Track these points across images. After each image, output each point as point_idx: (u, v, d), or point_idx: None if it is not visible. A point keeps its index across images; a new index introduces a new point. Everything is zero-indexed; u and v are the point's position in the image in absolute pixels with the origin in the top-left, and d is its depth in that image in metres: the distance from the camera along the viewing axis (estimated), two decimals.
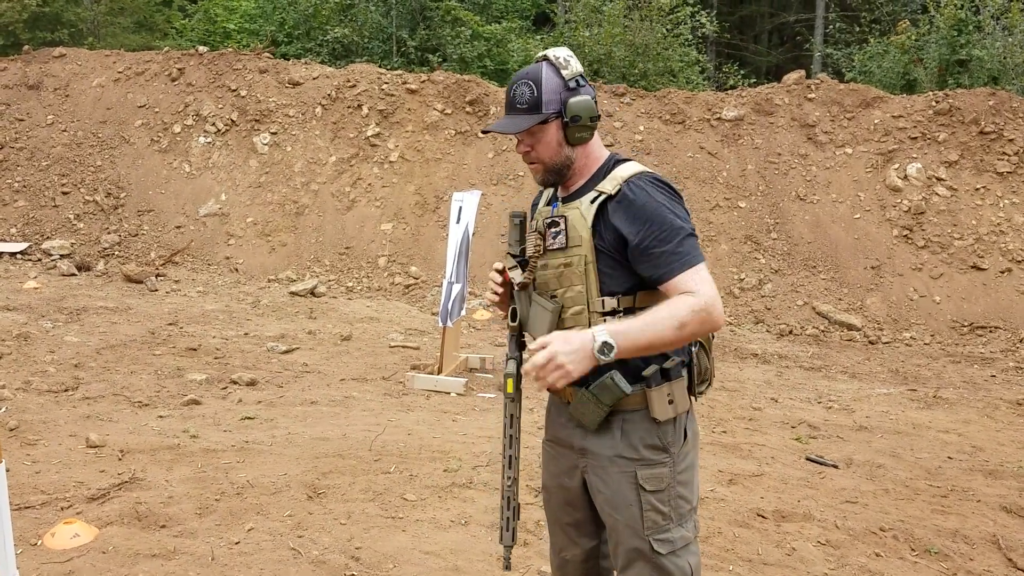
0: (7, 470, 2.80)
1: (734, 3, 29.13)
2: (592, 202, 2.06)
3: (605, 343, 1.88)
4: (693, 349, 2.14)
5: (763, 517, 4.03)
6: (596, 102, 2.12)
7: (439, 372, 6.17)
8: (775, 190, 10.91)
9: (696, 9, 17.29)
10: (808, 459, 5.12)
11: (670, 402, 2.07)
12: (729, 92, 12.39)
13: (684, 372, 2.10)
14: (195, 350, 6.73)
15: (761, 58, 27.55)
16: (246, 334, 7.66)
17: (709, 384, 2.24)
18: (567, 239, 2.10)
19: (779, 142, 11.39)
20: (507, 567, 2.31)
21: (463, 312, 6.55)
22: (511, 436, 2.25)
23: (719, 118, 11.75)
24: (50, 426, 4.76)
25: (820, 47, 22.36)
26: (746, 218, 10.67)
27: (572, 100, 2.08)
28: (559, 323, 2.11)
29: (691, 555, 2.14)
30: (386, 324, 8.72)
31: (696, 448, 2.20)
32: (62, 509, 3.62)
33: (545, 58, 2.12)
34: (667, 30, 16.37)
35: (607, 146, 11.85)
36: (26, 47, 13.43)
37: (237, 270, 10.83)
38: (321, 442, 4.69)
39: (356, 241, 11.21)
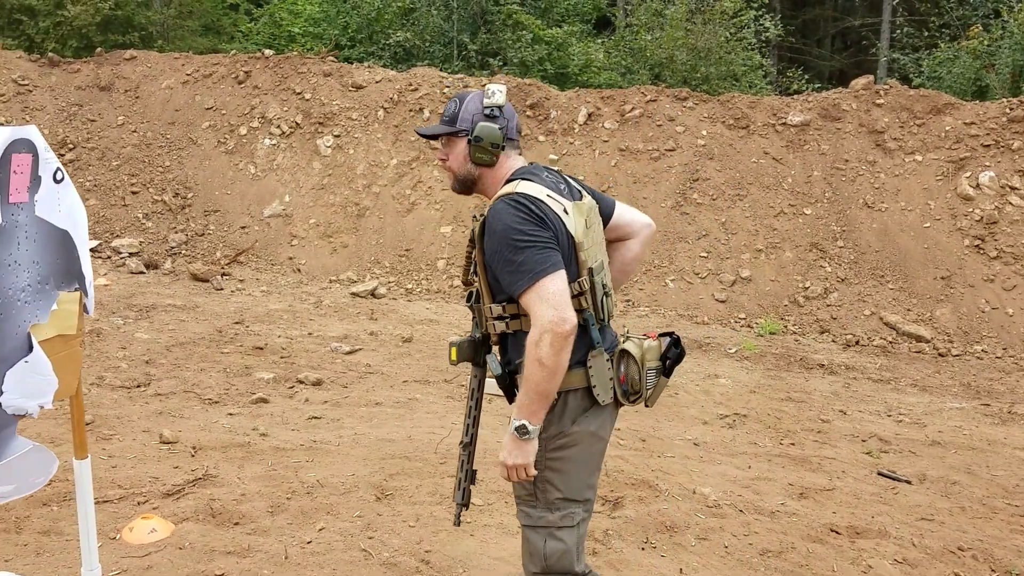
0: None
1: (797, 6, 28.72)
2: (475, 221, 2.36)
3: (516, 428, 2.25)
4: (596, 353, 2.33)
5: (837, 533, 3.94)
6: (506, 133, 2.42)
7: None
8: (842, 197, 10.71)
9: (760, 13, 17.08)
10: (880, 474, 4.99)
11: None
12: (795, 97, 12.19)
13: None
14: (262, 349, 6.82)
15: (824, 63, 27.10)
16: (310, 334, 7.75)
17: (639, 396, 2.43)
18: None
19: (846, 148, 11.17)
20: (457, 523, 2.63)
21: None
22: (476, 401, 2.62)
23: (784, 123, 11.57)
24: (124, 421, 4.86)
25: (886, 52, 21.91)
26: (812, 225, 10.49)
27: (480, 124, 2.40)
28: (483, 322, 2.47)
29: (552, 540, 2.37)
30: (446, 327, 8.74)
31: (586, 447, 2.36)
32: (138, 504, 3.69)
33: (483, 87, 2.47)
34: (730, 34, 16.19)
35: (667, 151, 11.79)
36: (98, 49, 13.78)
37: (299, 270, 10.97)
38: (387, 443, 4.71)
39: (416, 243, 11.27)
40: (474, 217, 2.39)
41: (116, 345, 6.70)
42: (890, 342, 8.92)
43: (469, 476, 2.55)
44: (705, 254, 10.40)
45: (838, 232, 10.39)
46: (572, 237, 2.32)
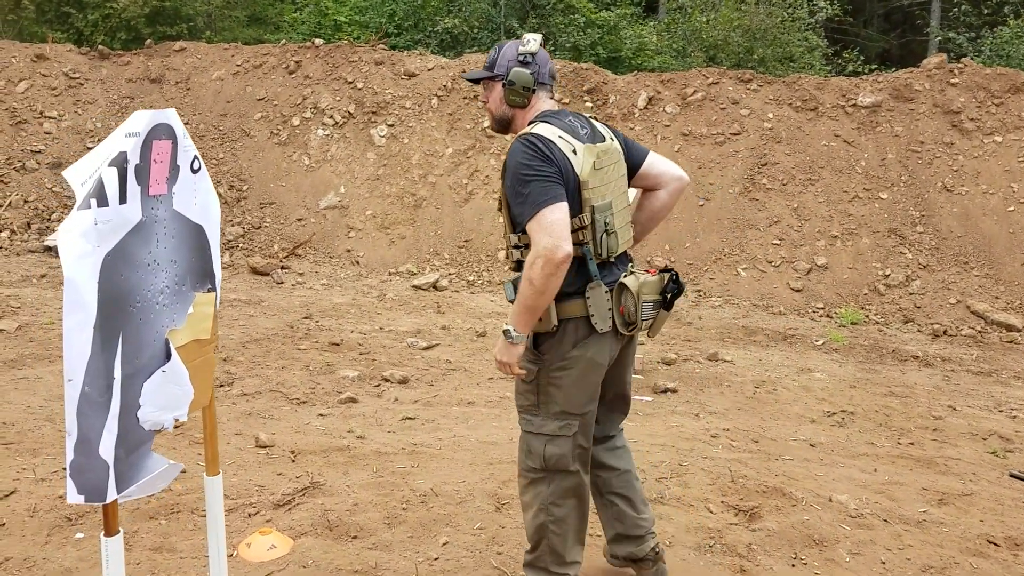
0: (183, 471, 2.63)
1: None
2: (502, 157, 2.67)
3: (505, 330, 2.54)
4: (593, 285, 2.55)
5: (995, 544, 3.63)
6: (537, 77, 2.68)
7: None
8: (919, 181, 10.29)
9: None
10: (1012, 475, 4.66)
11: (539, 319, 2.54)
12: (863, 77, 11.76)
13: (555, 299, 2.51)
14: (338, 345, 6.60)
15: (873, 43, 26.46)
16: (381, 328, 7.53)
17: (636, 326, 2.64)
18: None
19: (921, 130, 10.74)
20: None
21: None
22: None
23: (854, 104, 11.15)
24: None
25: (938, 31, 21.28)
26: (888, 210, 10.09)
27: (515, 69, 2.66)
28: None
29: (551, 445, 2.65)
30: None
31: (584, 369, 2.60)
32: (249, 516, 3.47)
33: (519, 36, 2.68)
34: (787, 14, 15.73)
35: (732, 135, 11.42)
36: (148, 41, 13.65)
37: (358, 263, 10.76)
38: (490, 447, 4.46)
39: (475, 234, 11.02)
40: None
41: None
42: (979, 331, 8.52)
43: None
44: (778, 241, 10.04)
45: (917, 217, 9.98)
46: (577, 176, 2.52)
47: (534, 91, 2.69)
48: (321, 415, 4.90)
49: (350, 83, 12.74)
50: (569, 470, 2.67)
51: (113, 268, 1.99)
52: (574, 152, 2.53)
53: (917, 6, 25.37)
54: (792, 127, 11.13)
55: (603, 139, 2.70)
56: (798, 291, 9.49)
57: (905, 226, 9.92)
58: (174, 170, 2.20)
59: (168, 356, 2.22)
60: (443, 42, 16.12)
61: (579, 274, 2.56)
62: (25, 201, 11.62)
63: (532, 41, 2.70)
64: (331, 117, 12.45)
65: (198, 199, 2.32)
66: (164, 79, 13.18)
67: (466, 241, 10.96)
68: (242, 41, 14.80)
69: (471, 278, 10.33)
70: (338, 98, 12.61)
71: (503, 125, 2.77)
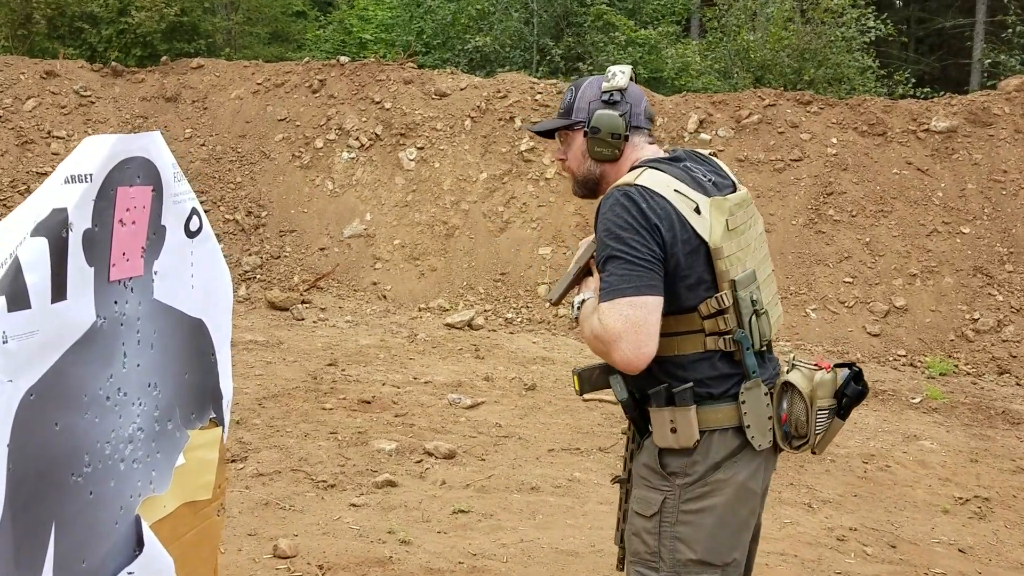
0: None
1: (881, 7, 27.21)
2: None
3: (573, 303, 2.07)
4: (751, 385, 1.95)
5: None
6: (631, 120, 2.07)
7: None
8: (1004, 213, 9.33)
9: (865, 12, 15.69)
10: None
11: (672, 430, 1.94)
12: (935, 100, 10.84)
13: (696, 403, 1.93)
14: (369, 403, 5.71)
15: (913, 67, 25.59)
16: (415, 379, 6.63)
17: (807, 442, 2.01)
18: None
19: (1003, 157, 9.79)
20: (620, 567, 2.19)
21: None
22: (632, 434, 2.17)
23: (927, 129, 10.22)
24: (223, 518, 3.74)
25: (982, 54, 20.40)
26: (972, 246, 9.13)
27: (598, 112, 2.06)
28: None
29: None
30: (563, 366, 7.57)
31: (732, 499, 1.95)
32: None
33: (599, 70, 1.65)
34: (839, 33, 14.85)
35: (793, 161, 10.52)
36: (164, 58, 12.92)
37: (385, 297, 9.89)
38: (570, 558, 3.54)
39: (512, 266, 10.13)
40: None
41: None
42: None
43: (627, 516, 2.11)
44: (850, 279, 9.09)
45: (1005, 255, 9.01)
46: (706, 243, 1.93)
47: (626, 137, 2.07)
48: (354, 505, 4.00)
49: (377, 103, 11.92)
50: None
51: (39, 415, 1.11)
52: (696, 211, 1.93)
53: (959, 28, 24.56)
54: (859, 153, 10.20)
55: (732, 186, 2.13)
56: (876, 336, 8.53)
57: (992, 264, 8.95)
58: (156, 235, 1.31)
59: (140, 544, 1.32)
60: (473, 61, 15.33)
61: (731, 369, 1.96)
62: None
63: (619, 75, 2.10)
64: (356, 139, 11.62)
65: (197, 278, 1.43)
66: (180, 97, 12.41)
67: (502, 274, 10.07)
68: (264, 59, 14.04)
69: (509, 315, 9.43)
70: (364, 119, 11.79)
71: (588, 187, 2.17)
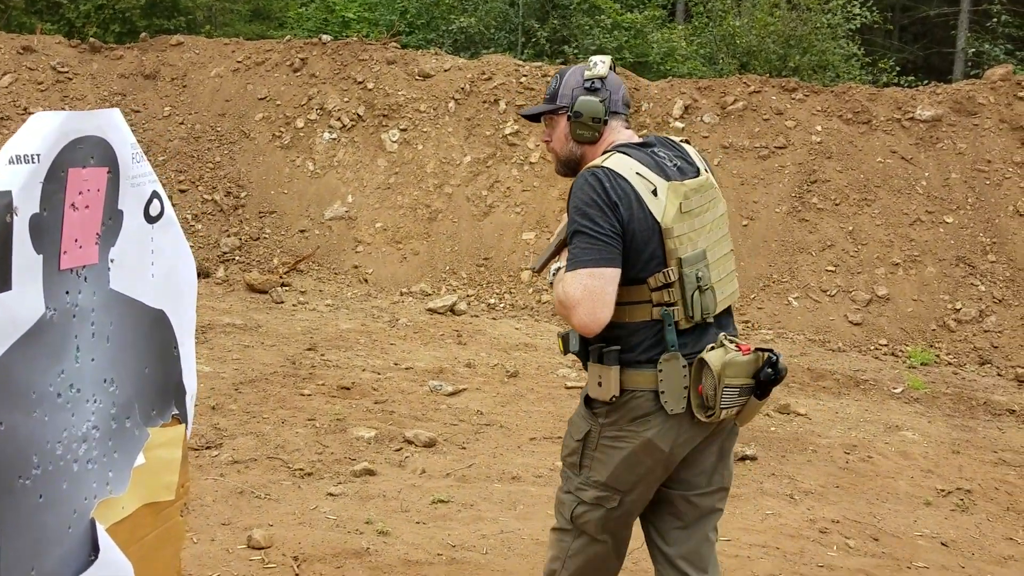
0: None
1: None
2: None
3: (555, 268, 2.33)
4: (668, 356, 2.16)
5: None
6: (608, 106, 2.28)
7: None
8: (988, 203, 9.33)
9: None
10: None
11: (598, 384, 2.20)
12: (920, 89, 10.82)
13: (622, 366, 2.17)
14: (349, 389, 5.62)
15: (898, 54, 25.60)
16: (396, 364, 6.55)
17: (713, 412, 2.16)
18: None
19: (987, 147, 9.78)
20: None
21: None
22: None
23: (912, 118, 10.20)
24: (195, 507, 3.67)
25: (966, 43, 20.44)
26: (955, 235, 9.12)
27: (581, 98, 2.28)
28: None
29: (581, 506, 2.30)
30: (546, 353, 7.51)
31: (637, 451, 2.20)
32: None
33: (581, 57, 1.79)
34: (824, 20, 14.78)
35: (777, 148, 10.46)
36: (143, 35, 12.68)
37: (366, 280, 9.78)
38: None
39: (495, 251, 10.04)
40: None
41: None
42: None
43: None
44: (832, 268, 9.07)
45: (988, 244, 9.01)
46: (659, 222, 2.15)
47: (606, 122, 2.30)
48: (331, 495, 3.92)
49: (360, 83, 11.76)
50: (596, 538, 2.34)
51: None
52: (654, 193, 2.16)
53: (943, 17, 24.58)
54: (843, 141, 10.17)
55: (696, 172, 2.30)
56: (857, 324, 8.52)
57: (975, 254, 8.95)
58: (112, 220, 1.22)
59: (96, 548, 1.24)
60: (457, 42, 15.17)
61: (654, 340, 2.19)
62: None
63: (600, 64, 2.33)
64: (339, 120, 11.47)
65: (158, 266, 1.34)
66: (159, 75, 12.18)
67: (485, 259, 9.98)
68: (244, 37, 13.81)
69: (492, 301, 9.36)
70: (346, 99, 11.63)
71: (571, 167, 2.37)
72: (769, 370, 2.21)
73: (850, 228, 9.40)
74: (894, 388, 6.85)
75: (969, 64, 20.36)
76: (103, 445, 1.23)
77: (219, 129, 11.59)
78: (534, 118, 2.46)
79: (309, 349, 6.78)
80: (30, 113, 11.60)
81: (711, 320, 2.25)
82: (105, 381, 1.22)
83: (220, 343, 6.74)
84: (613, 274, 2.11)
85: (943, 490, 4.72)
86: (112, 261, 1.23)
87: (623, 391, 2.19)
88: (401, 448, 4.60)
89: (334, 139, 11.35)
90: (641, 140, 2.32)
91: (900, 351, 8.11)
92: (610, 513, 2.30)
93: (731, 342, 2.21)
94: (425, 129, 11.26)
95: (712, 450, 2.34)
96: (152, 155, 11.21)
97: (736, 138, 10.50)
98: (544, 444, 4.92)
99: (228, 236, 10.38)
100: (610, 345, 2.18)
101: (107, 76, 12.15)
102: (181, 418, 1.40)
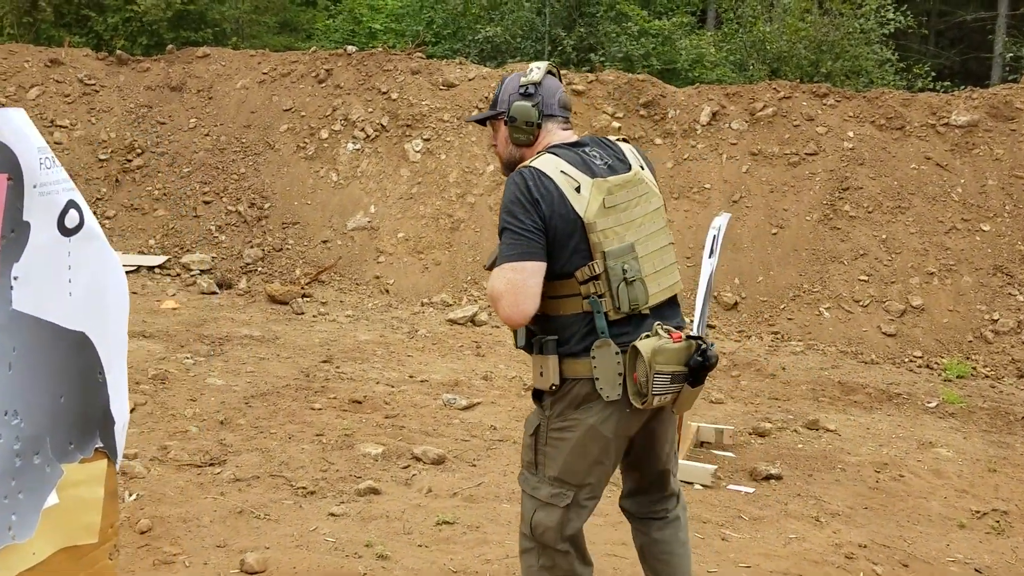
0: None
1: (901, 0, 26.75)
2: None
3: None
4: (600, 344, 2.24)
5: None
6: (542, 109, 2.40)
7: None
8: None
9: (885, 3, 15.30)
10: None
11: (540, 373, 2.32)
12: (956, 94, 10.51)
13: (560, 355, 2.28)
14: (360, 403, 5.49)
15: (934, 60, 25.13)
16: (411, 377, 6.42)
17: (646, 399, 2.22)
18: None
19: None
20: None
21: None
22: None
23: (947, 123, 9.91)
24: (192, 527, 3.55)
25: (1004, 48, 19.97)
26: (992, 244, 8.82)
27: (515, 103, 2.41)
28: None
29: (540, 511, 2.37)
30: None
31: (583, 437, 2.30)
32: None
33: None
34: (856, 25, 14.48)
35: (808, 155, 10.21)
36: (169, 47, 12.74)
37: (388, 291, 9.68)
38: None
39: None
40: None
41: (184, 396, 5.44)
42: None
43: None
44: (865, 277, 8.81)
45: None
46: (580, 217, 2.24)
47: (539, 125, 2.41)
48: (332, 515, 3.78)
49: (384, 93, 11.71)
50: (557, 548, 2.38)
51: None
52: (577, 190, 2.26)
53: (980, 21, 24.10)
54: (876, 147, 9.90)
55: (627, 169, 2.37)
56: (891, 336, 8.25)
57: (1013, 263, 8.64)
58: (15, 232, 1.09)
59: None
60: (483, 52, 15.08)
61: (587, 330, 2.28)
62: None
63: (536, 70, 2.45)
64: (362, 130, 11.42)
65: (77, 284, 1.21)
66: (185, 87, 12.22)
67: None
68: (270, 49, 13.83)
69: None
70: (370, 109, 11.58)
71: (511, 168, 2.43)
72: (698, 357, 2.25)
73: (883, 236, 9.13)
74: (928, 402, 6.59)
75: (1007, 69, 19.91)
76: (4, 485, 1.10)
77: (244, 140, 11.59)
78: (481, 123, 2.59)
79: (325, 361, 6.68)
80: (56, 125, 11.71)
81: (646, 311, 2.32)
82: (7, 414, 1.09)
83: (236, 355, 6.66)
84: (535, 267, 2.21)
85: (978, 511, 4.49)
86: (16, 279, 1.10)
87: (563, 380, 2.28)
88: (409, 465, 4.46)
89: (358, 149, 11.30)
90: (574, 140, 2.40)
91: (935, 363, 7.83)
92: (566, 514, 2.34)
93: (664, 331, 2.26)
94: (448, 139, 11.17)
95: (656, 432, 2.46)
96: (177, 167, 11.24)
97: (765, 145, 10.28)
98: None
99: (251, 247, 10.34)
100: (548, 336, 2.29)
101: (133, 88, 12.21)
102: (108, 451, 1.27)
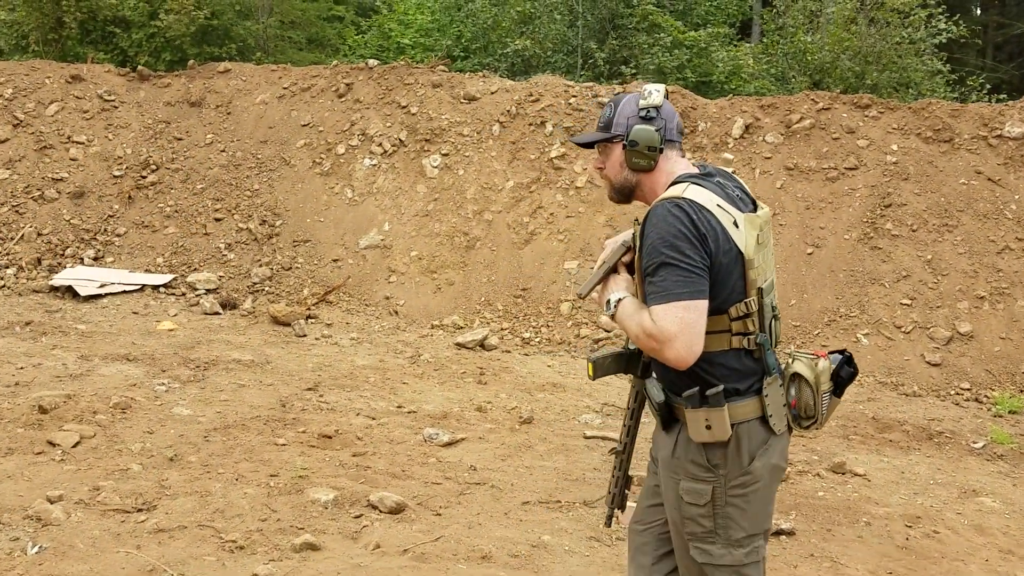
0: None
1: (954, 12, 25.80)
2: (635, 224, 2.26)
3: (609, 300, 2.30)
4: (771, 380, 2.23)
5: None
6: (664, 135, 2.30)
7: None
8: None
9: (935, 12, 14.50)
10: None
11: (707, 427, 2.20)
12: (1009, 104, 9.76)
13: (727, 401, 2.19)
14: (330, 438, 5.00)
15: (992, 74, 24.10)
16: (399, 408, 5.92)
17: (816, 422, 2.29)
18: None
19: None
20: (608, 524, 2.56)
21: None
22: (633, 414, 2.50)
23: (999, 136, 9.16)
24: None
25: None
26: None
27: (636, 127, 2.30)
28: None
29: (740, 574, 2.25)
30: (574, 394, 6.78)
31: (767, 481, 2.25)
32: None
33: (640, 89, 2.36)
34: (905, 34, 13.72)
35: (848, 169, 9.53)
36: (191, 62, 12.52)
37: (397, 312, 9.21)
38: None
39: (535, 282, 9.37)
40: (635, 221, 2.28)
41: (142, 428, 5.01)
42: None
43: (620, 481, 2.50)
44: (908, 301, 8.10)
45: None
46: (742, 253, 2.20)
47: (661, 150, 2.32)
48: None
49: (403, 107, 11.30)
50: None
51: None
52: (735, 225, 2.20)
53: None
54: (922, 161, 9.19)
55: (755, 206, 2.35)
56: (936, 366, 7.53)
57: None
58: None
59: None
60: (514, 66, 14.63)
61: (754, 367, 2.25)
62: (39, 234, 10.47)
63: (655, 92, 2.36)
64: (380, 145, 11.01)
65: None
66: (204, 102, 11.97)
67: (524, 290, 9.31)
68: (294, 64, 13.55)
69: (527, 335, 8.67)
70: (389, 124, 11.18)
71: (625, 194, 2.41)
72: (848, 367, 2.29)
73: (928, 257, 8.41)
74: (974, 442, 5.88)
75: None
76: None
77: (260, 156, 11.27)
78: (588, 145, 2.46)
79: (309, 389, 6.21)
80: (73, 142, 11.52)
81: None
82: None
83: (215, 382, 6.22)
84: (704, 307, 2.14)
85: None
86: None
87: (733, 425, 2.21)
88: (362, 515, 3.94)
89: (374, 165, 10.89)
90: (701, 171, 2.32)
91: (985, 397, 7.09)
92: (763, 565, 2.31)
93: (802, 354, 2.31)
94: (467, 153, 10.71)
95: None
96: (191, 183, 10.95)
97: (801, 159, 9.62)
98: (536, 511, 4.19)
99: (260, 266, 9.96)
100: (706, 386, 2.19)
101: (153, 104, 12.00)
102: None
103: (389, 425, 5.41)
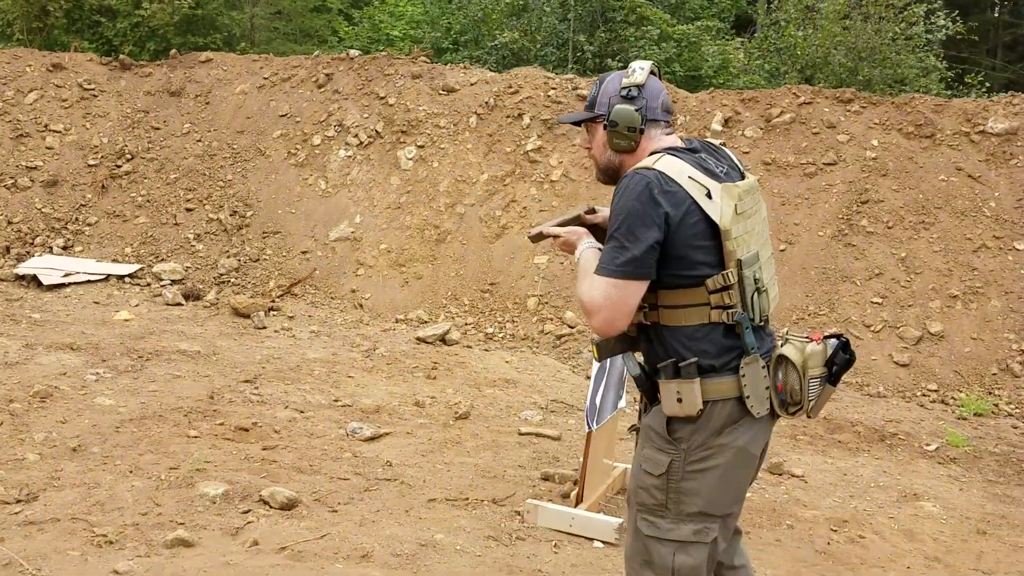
0: None
1: (962, 11, 25.38)
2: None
3: (576, 246, 2.40)
4: (750, 360, 2.17)
5: None
6: (645, 114, 2.27)
7: (578, 502, 3.94)
8: None
9: (933, 6, 14.21)
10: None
11: (678, 400, 2.17)
12: (994, 99, 9.50)
13: (701, 376, 2.16)
14: (246, 431, 4.85)
15: (997, 73, 23.72)
16: (335, 401, 5.76)
17: (800, 407, 2.22)
18: None
19: None
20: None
21: (622, 403, 4.34)
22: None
23: (982, 131, 8.91)
24: None
25: None
26: None
27: (616, 107, 2.28)
28: None
29: (682, 554, 2.20)
30: (525, 390, 6.61)
31: (732, 461, 2.20)
32: None
33: (625, 66, 2.40)
34: (899, 30, 13.45)
35: (826, 164, 9.30)
36: (172, 51, 12.41)
37: (362, 306, 9.06)
38: None
39: (503, 276, 9.19)
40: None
41: (57, 417, 4.87)
42: None
43: None
44: (879, 300, 7.87)
45: None
46: (716, 224, 2.15)
47: (642, 131, 2.27)
48: (116, 573, 3.12)
49: (381, 99, 11.13)
50: None
51: None
52: (708, 196, 2.15)
53: None
54: (902, 157, 8.95)
55: (741, 175, 2.31)
56: (904, 366, 7.31)
57: None
58: None
59: None
60: (503, 59, 14.45)
61: (731, 345, 2.19)
62: (9, 222, 10.39)
63: (638, 71, 2.29)
64: (356, 136, 10.86)
65: None
66: (184, 92, 11.84)
67: (492, 284, 9.13)
68: (278, 55, 13.42)
69: (491, 330, 8.50)
70: (366, 115, 11.02)
71: (610, 175, 2.38)
72: (843, 354, 2.20)
73: (903, 254, 8.18)
74: (927, 445, 5.66)
75: None
76: None
77: (235, 146, 11.14)
78: (576, 123, 2.45)
79: (246, 381, 6.06)
80: (50, 130, 11.43)
81: (763, 324, 2.26)
82: None
83: (150, 372, 6.08)
84: (638, 287, 2.13)
85: None
86: None
87: (706, 402, 2.17)
88: (250, 510, 3.78)
89: (349, 156, 10.74)
90: (686, 145, 2.28)
91: (952, 398, 6.87)
92: (712, 549, 2.22)
93: (796, 336, 2.24)
94: (443, 145, 10.53)
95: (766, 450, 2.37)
96: (164, 173, 10.85)
97: (780, 153, 9.40)
98: (441, 508, 4.02)
99: (228, 257, 9.83)
100: (680, 358, 2.17)
101: (133, 93, 11.90)
102: None
103: (315, 419, 5.25)
